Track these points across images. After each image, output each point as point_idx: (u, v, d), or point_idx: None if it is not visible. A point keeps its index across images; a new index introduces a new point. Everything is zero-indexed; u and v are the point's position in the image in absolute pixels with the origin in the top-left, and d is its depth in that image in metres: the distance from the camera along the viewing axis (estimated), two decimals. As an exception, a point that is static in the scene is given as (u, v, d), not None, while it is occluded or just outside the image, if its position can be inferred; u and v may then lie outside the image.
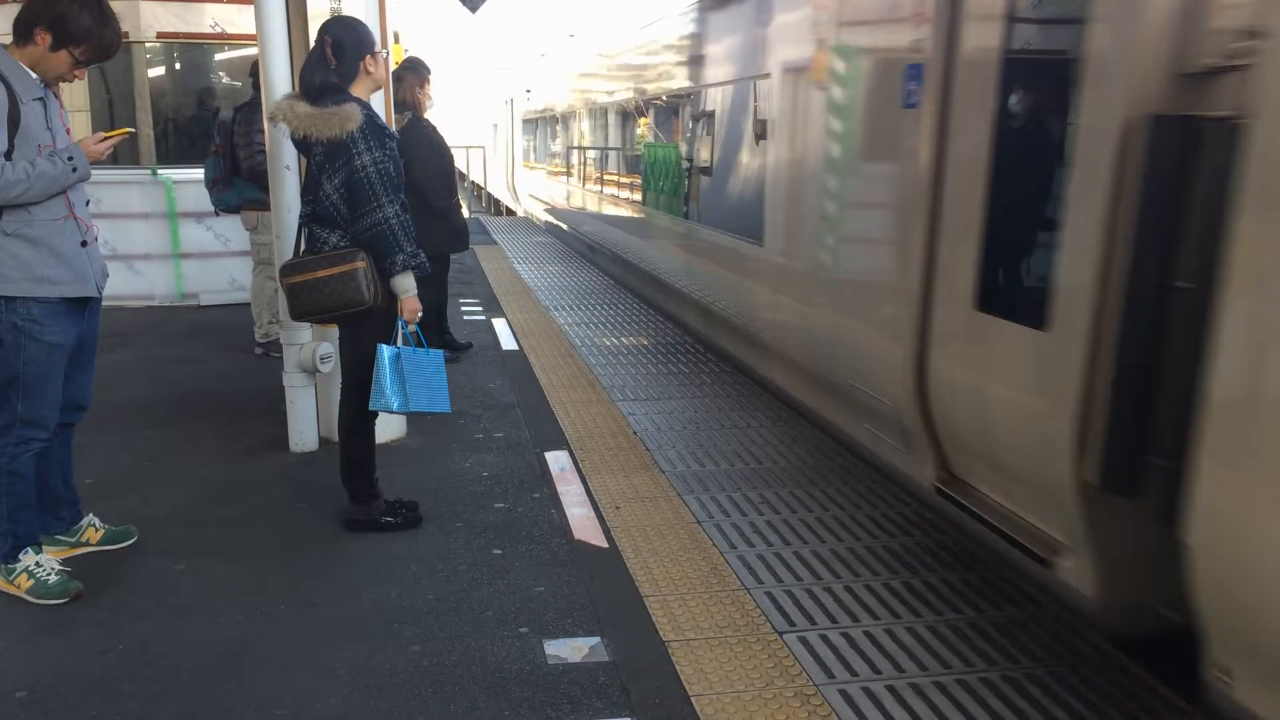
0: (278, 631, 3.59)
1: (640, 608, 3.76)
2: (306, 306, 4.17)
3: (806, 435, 5.82)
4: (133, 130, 4.08)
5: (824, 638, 3.57)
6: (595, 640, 3.53)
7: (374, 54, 4.22)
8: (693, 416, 6.23)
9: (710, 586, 3.94)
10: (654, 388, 6.92)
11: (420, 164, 6.95)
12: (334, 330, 4.73)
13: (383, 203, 4.05)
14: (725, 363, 7.53)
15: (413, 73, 7.29)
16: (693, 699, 3.16)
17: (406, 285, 4.16)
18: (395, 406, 4.17)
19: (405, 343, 4.29)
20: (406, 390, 4.17)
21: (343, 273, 4.05)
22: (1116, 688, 3.28)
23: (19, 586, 3.78)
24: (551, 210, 16.78)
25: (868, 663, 3.41)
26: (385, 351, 4.15)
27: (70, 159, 3.66)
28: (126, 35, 9.50)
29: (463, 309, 9.67)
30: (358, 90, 4.18)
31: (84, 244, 3.77)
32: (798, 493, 4.94)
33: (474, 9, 17.93)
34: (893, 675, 3.34)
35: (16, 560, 3.81)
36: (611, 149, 11.63)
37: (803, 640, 3.54)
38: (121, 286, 9.03)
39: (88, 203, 3.88)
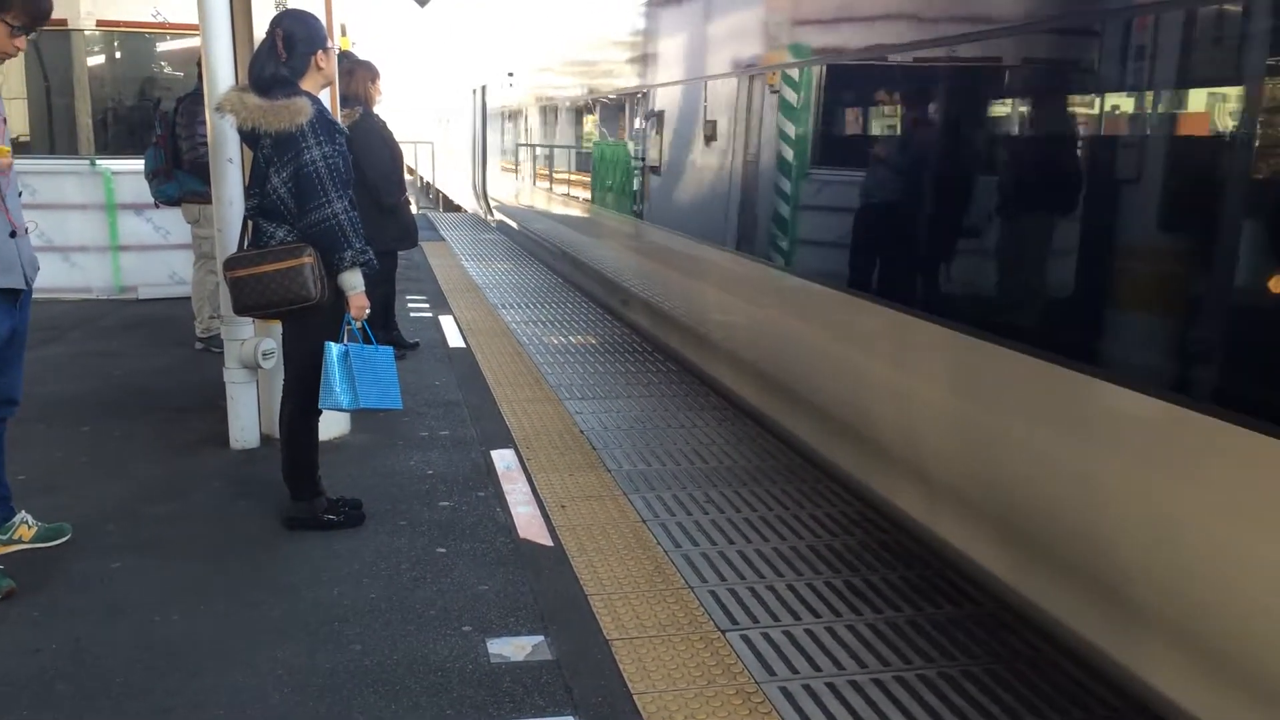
0: (216, 631, 3.55)
1: (584, 606, 3.77)
2: (251, 301, 4.12)
3: (752, 435, 5.87)
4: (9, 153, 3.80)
5: (766, 636, 3.60)
6: (539, 639, 3.53)
7: (326, 50, 4.19)
8: (639, 415, 6.25)
9: (654, 585, 3.96)
10: (601, 386, 6.93)
11: (370, 160, 6.89)
12: (277, 326, 4.68)
13: (331, 198, 4.02)
14: (669, 356, 7.58)
15: (364, 67, 7.24)
16: (635, 697, 3.18)
17: (354, 282, 4.13)
18: (345, 404, 4.13)
19: (353, 339, 4.25)
20: (356, 387, 4.13)
21: (289, 268, 4.01)
22: (1049, 684, 3.35)
23: (-52, 585, 3.69)
24: None
25: (808, 660, 3.45)
26: (333, 349, 4.11)
27: None
28: (65, 23, 9.34)
29: (410, 306, 9.60)
30: (307, 85, 4.14)
31: (13, 235, 3.69)
32: (742, 492, 4.98)
33: (422, 3, 18.02)
34: (833, 672, 3.38)
35: (-55, 558, 3.72)
36: None
37: (745, 638, 3.58)
38: (57, 279, 8.85)
39: (20, 194, 3.80)
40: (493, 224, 18.12)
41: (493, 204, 17.59)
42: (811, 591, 3.95)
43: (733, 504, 4.83)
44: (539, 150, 12.92)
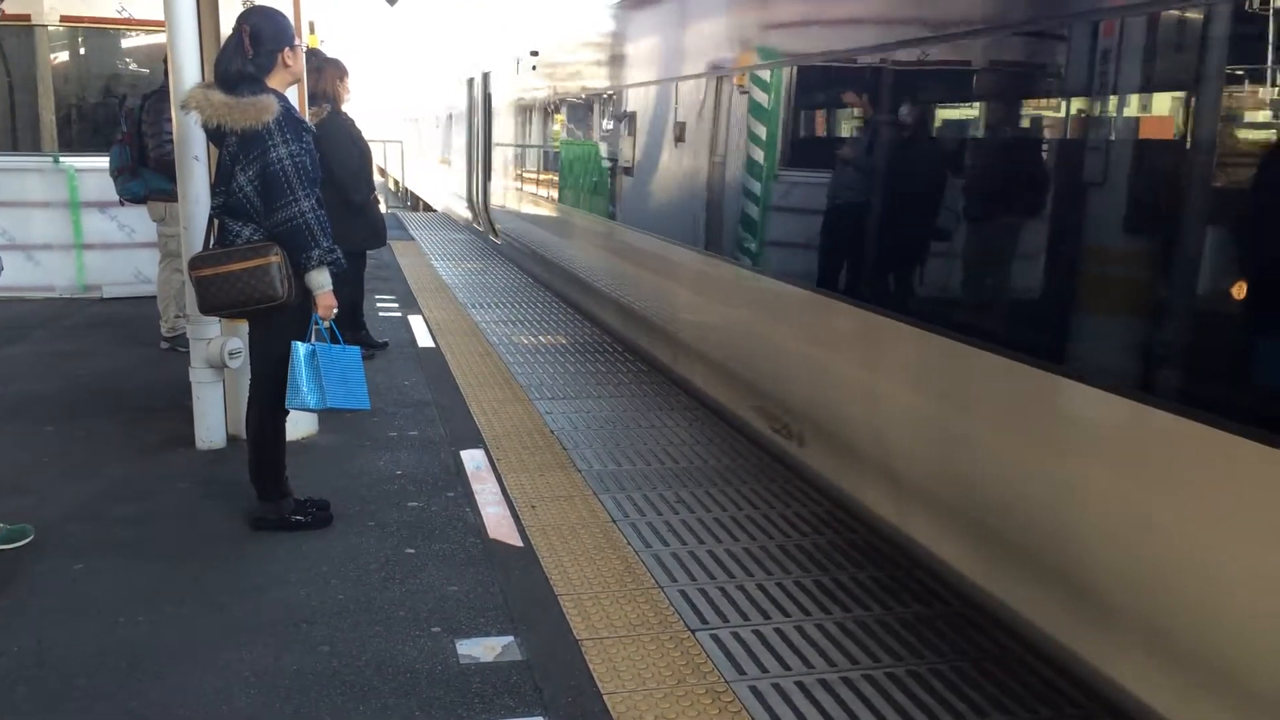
0: (182, 632, 3.51)
1: (554, 606, 3.76)
2: (217, 301, 4.08)
3: (723, 435, 5.88)
4: None
5: (736, 635, 3.61)
6: (508, 639, 3.52)
7: (293, 47, 4.15)
8: (610, 416, 6.24)
9: (624, 585, 3.96)
10: (571, 386, 6.92)
11: (339, 158, 6.85)
12: (244, 325, 4.64)
13: (299, 196, 3.98)
14: (643, 360, 7.57)
15: (332, 65, 7.19)
16: (605, 697, 3.17)
17: (321, 281, 4.09)
18: (312, 404, 4.10)
19: (320, 339, 4.22)
20: (323, 388, 4.10)
21: (256, 267, 3.97)
22: (1017, 681, 3.38)
23: (-95, 588, 3.63)
24: None
25: (778, 659, 3.46)
26: (300, 349, 4.07)
27: None
28: (29, 18, 9.21)
29: (379, 306, 9.54)
30: (274, 82, 4.10)
31: None
32: (712, 491, 4.99)
33: (392, 2, 17.78)
34: (802, 671, 3.39)
35: (-97, 560, 3.66)
36: None
37: (715, 638, 3.58)
38: (19, 278, 8.71)
39: None
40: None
41: (498, 224, 13.69)
42: (781, 591, 3.96)
43: (703, 504, 4.83)
44: (595, 159, 8.61)
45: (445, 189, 19.85)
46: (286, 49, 4.12)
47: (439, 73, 20.16)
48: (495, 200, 13.76)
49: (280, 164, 3.95)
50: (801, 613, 3.79)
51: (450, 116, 18.56)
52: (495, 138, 13.73)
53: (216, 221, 4.18)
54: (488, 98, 14.31)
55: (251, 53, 4.04)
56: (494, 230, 14.15)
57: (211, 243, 4.21)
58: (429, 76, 21.68)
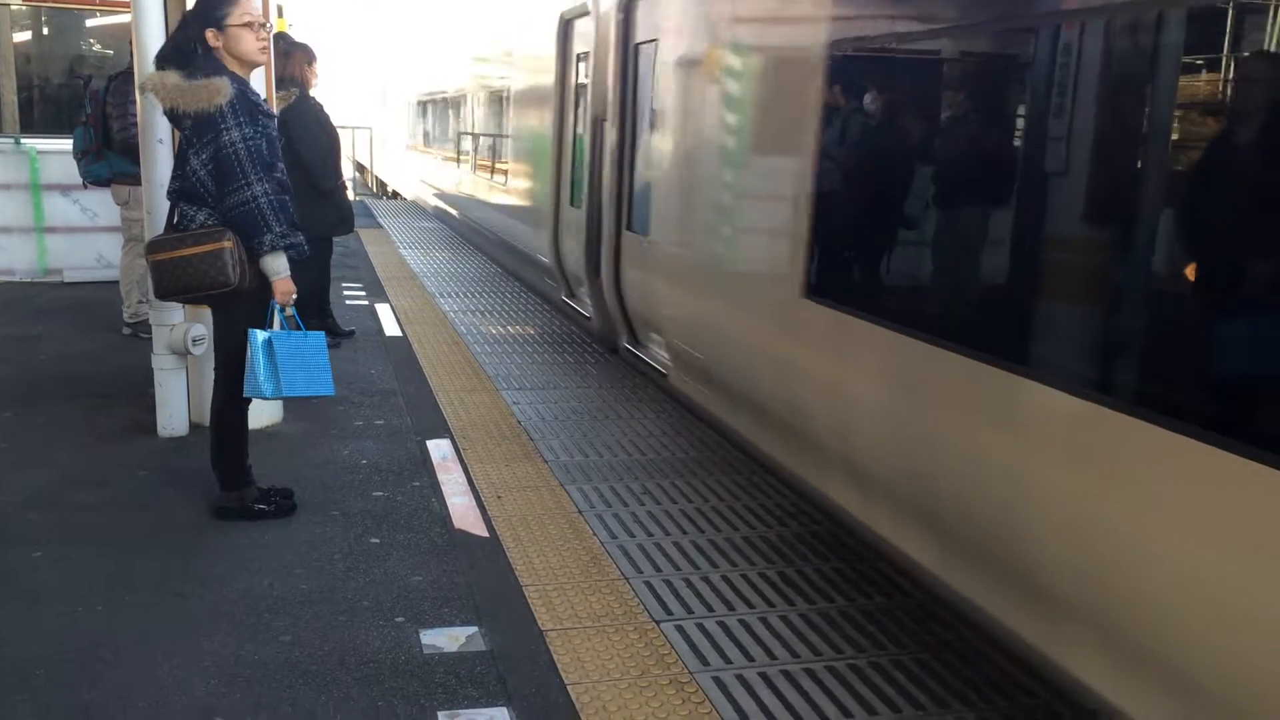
0: (141, 622, 3.47)
1: (519, 597, 3.76)
2: (171, 286, 4.04)
3: (690, 426, 5.89)
4: None
5: (700, 626, 3.62)
6: (472, 629, 3.51)
7: (221, 28, 3.99)
8: (577, 406, 6.23)
9: (590, 576, 3.96)
10: (539, 377, 6.91)
11: (308, 143, 6.80)
12: (207, 311, 4.59)
13: (250, 180, 3.93)
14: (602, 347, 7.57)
15: (301, 50, 7.13)
16: (569, 687, 3.17)
17: (277, 266, 4.04)
18: (268, 393, 4.05)
19: (281, 326, 4.18)
20: (280, 376, 4.06)
21: (208, 252, 3.92)
22: (975, 671, 3.41)
23: None
24: None
25: (742, 650, 3.47)
26: (257, 336, 4.02)
27: None
28: (-11, -5, 9.06)
29: (346, 294, 9.47)
30: (230, 65, 4.03)
31: None
32: (679, 483, 5.00)
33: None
34: (766, 662, 3.41)
35: None
36: None
37: (679, 629, 3.59)
38: (-22, 260, 8.60)
39: None
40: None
41: (665, 335, 6.23)
42: (745, 582, 3.98)
43: (669, 495, 4.84)
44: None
45: (461, 217, 14.02)
46: (210, 30, 3.99)
47: (457, 26, 14.11)
48: (658, 282, 6.27)
49: (232, 147, 3.90)
50: (765, 604, 3.81)
51: (478, 99, 12.37)
52: (668, 135, 6.04)
53: (174, 206, 4.13)
54: (631, 51, 6.84)
55: (175, 29, 3.94)
56: (631, 334, 7.13)
57: (169, 227, 4.16)
58: (434, 34, 16.17)
